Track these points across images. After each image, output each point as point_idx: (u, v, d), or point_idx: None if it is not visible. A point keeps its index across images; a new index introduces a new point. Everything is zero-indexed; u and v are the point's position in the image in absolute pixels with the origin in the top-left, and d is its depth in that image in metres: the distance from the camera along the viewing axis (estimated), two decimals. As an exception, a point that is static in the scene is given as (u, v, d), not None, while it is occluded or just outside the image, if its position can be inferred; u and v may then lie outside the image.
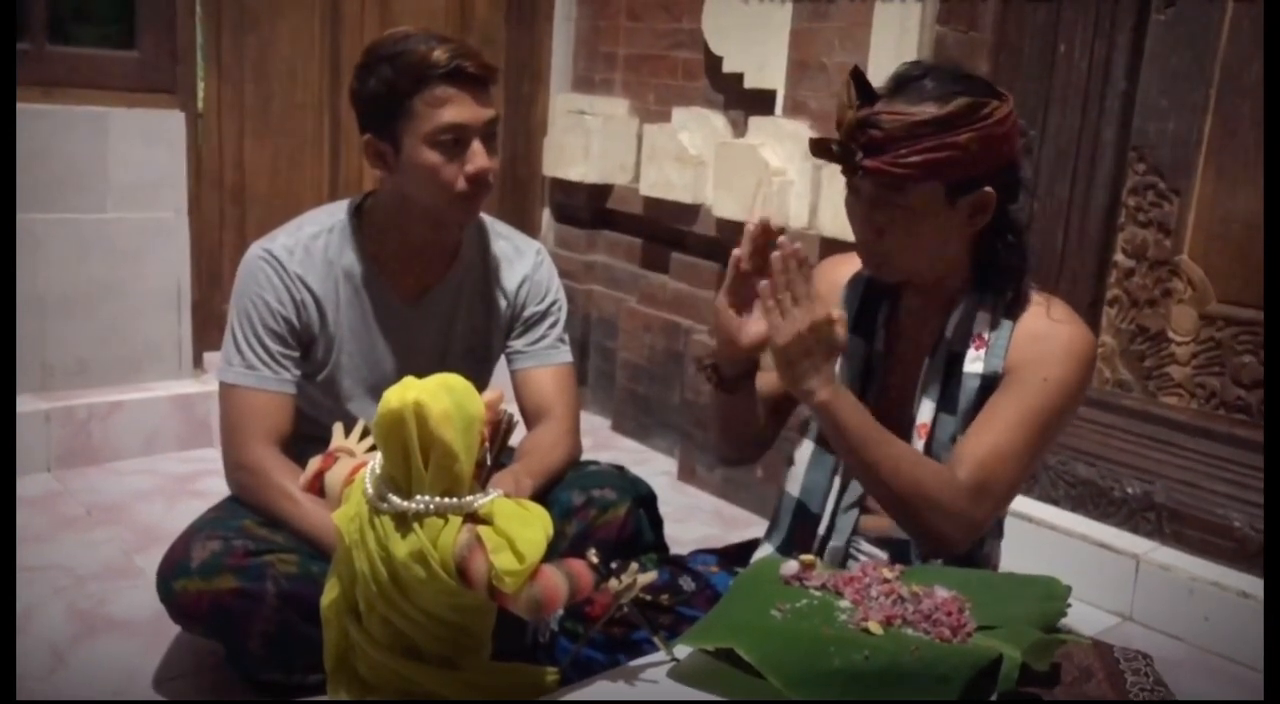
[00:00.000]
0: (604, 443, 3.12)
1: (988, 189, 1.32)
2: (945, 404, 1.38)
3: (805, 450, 1.51)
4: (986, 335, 1.38)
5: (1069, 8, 2.32)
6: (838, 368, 1.47)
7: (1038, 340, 1.37)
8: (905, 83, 1.33)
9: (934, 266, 1.39)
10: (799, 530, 1.49)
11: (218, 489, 1.72)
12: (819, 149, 1.36)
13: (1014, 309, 1.39)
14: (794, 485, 1.51)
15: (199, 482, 2.57)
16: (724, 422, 1.53)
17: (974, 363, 1.38)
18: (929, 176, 1.29)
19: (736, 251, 1.34)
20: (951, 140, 1.27)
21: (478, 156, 1.58)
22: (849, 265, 1.51)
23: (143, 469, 2.67)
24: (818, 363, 1.27)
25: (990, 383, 1.37)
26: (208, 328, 2.88)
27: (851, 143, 1.31)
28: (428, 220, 1.66)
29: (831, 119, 2.47)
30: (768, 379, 1.56)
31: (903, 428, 1.42)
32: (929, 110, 1.27)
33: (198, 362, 2.90)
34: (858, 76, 1.33)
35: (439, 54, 1.54)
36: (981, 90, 1.32)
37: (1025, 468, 1.35)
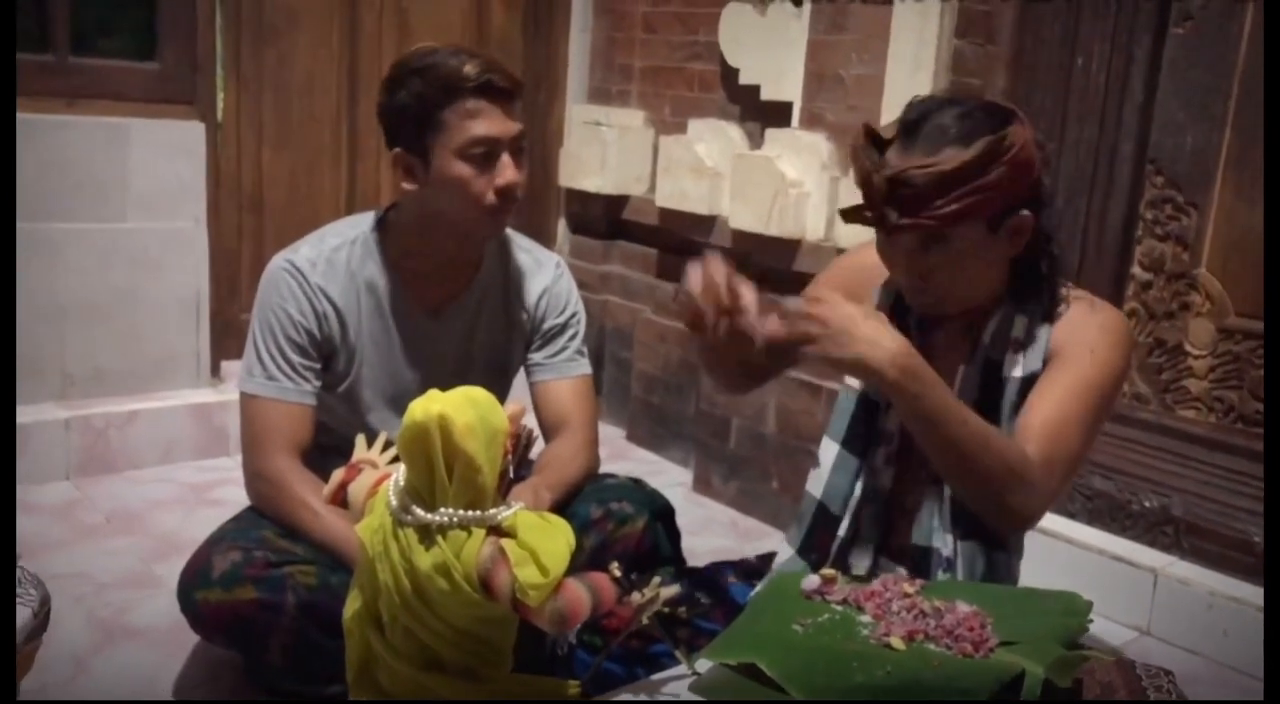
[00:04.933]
0: (619, 453, 3.12)
1: (1025, 212, 1.32)
2: (988, 413, 1.38)
3: (830, 452, 1.50)
4: (1022, 337, 1.39)
5: (1087, 21, 2.32)
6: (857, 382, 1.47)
7: (1075, 327, 1.39)
8: (918, 125, 1.30)
9: (984, 291, 1.39)
10: (819, 532, 1.49)
11: (235, 498, 1.73)
12: (853, 217, 1.33)
13: (1051, 313, 1.40)
14: (816, 487, 1.50)
15: (216, 490, 2.58)
16: (711, 360, 1.50)
17: (1014, 368, 1.38)
18: (968, 219, 1.28)
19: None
20: (982, 182, 1.26)
21: (507, 170, 1.59)
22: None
23: (160, 478, 2.68)
24: (871, 335, 1.20)
25: (1032, 383, 1.37)
26: (225, 337, 2.89)
27: (884, 204, 1.29)
28: (454, 233, 1.67)
29: (848, 130, 2.46)
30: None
31: None
32: (954, 155, 1.25)
33: (215, 371, 2.91)
34: (870, 133, 1.32)
35: (469, 68, 1.55)
36: (996, 118, 1.30)
37: (1087, 438, 1.35)
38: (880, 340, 1.21)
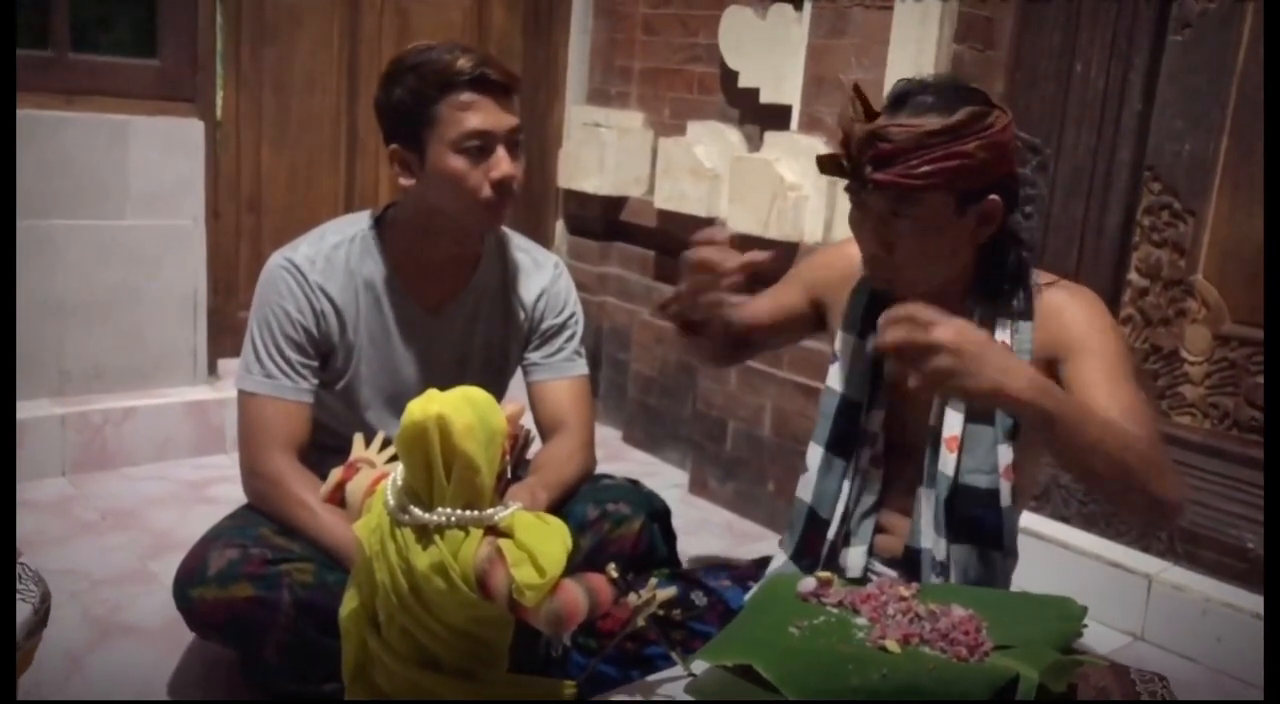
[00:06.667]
0: (615, 454, 3.12)
1: (994, 198, 1.34)
2: (975, 414, 1.38)
3: (816, 455, 1.51)
4: (1009, 341, 1.39)
5: (1086, 27, 2.33)
6: (841, 371, 1.48)
7: (1065, 320, 1.39)
8: (905, 98, 1.34)
9: (943, 277, 1.39)
10: (810, 536, 1.50)
11: (230, 496, 1.73)
12: (828, 165, 1.36)
13: (1027, 309, 1.41)
14: (805, 491, 1.51)
15: (211, 488, 2.58)
16: (694, 345, 1.56)
17: None
18: (939, 186, 1.29)
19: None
20: (960, 149, 1.28)
21: (502, 163, 1.59)
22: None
23: (156, 475, 2.68)
24: (1002, 359, 1.18)
25: None
26: (222, 335, 2.89)
27: (861, 156, 1.31)
28: (452, 229, 1.67)
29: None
30: (761, 306, 1.58)
31: (921, 436, 1.42)
32: (935, 121, 1.28)
33: (212, 368, 2.91)
34: (860, 92, 1.34)
35: (463, 62, 1.56)
36: (981, 102, 1.34)
37: (1148, 403, 1.37)
38: (1011, 363, 1.19)
